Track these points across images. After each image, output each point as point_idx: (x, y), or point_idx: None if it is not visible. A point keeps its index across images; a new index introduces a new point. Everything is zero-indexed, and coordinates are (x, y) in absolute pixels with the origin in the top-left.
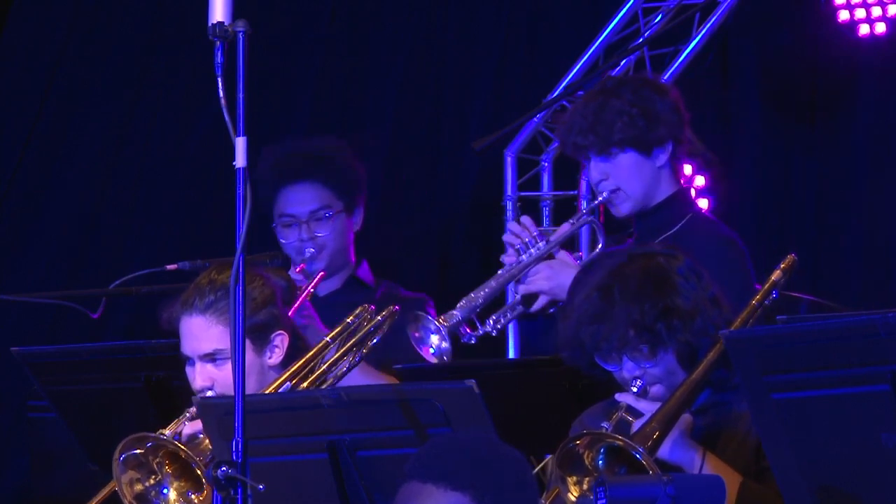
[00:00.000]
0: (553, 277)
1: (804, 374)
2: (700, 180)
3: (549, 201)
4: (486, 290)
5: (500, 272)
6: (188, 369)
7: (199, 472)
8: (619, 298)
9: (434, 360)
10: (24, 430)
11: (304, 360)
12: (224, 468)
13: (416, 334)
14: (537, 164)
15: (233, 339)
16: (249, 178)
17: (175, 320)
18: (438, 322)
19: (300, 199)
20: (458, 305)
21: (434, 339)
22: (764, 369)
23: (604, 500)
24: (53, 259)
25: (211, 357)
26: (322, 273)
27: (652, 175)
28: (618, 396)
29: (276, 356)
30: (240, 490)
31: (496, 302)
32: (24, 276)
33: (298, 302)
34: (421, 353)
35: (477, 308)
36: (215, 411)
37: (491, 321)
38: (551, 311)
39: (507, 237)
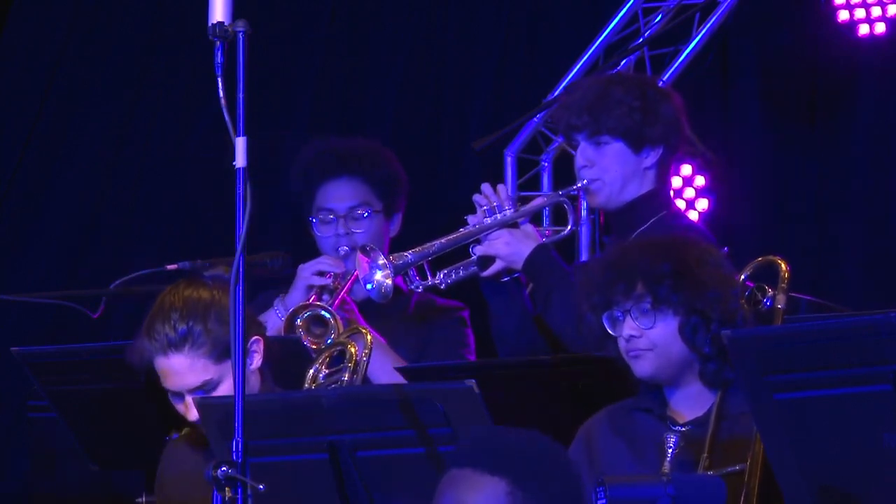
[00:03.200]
0: (512, 244)
1: (805, 374)
2: (700, 180)
3: None
4: (443, 240)
5: (461, 229)
6: (175, 401)
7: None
8: (636, 251)
9: (373, 296)
10: (24, 430)
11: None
12: (224, 468)
13: (364, 270)
14: (537, 165)
15: (233, 338)
16: (292, 171)
17: (147, 360)
18: (388, 260)
19: (340, 195)
20: (411, 250)
21: (378, 275)
22: (765, 369)
23: (604, 500)
24: (53, 259)
25: (201, 389)
26: (356, 273)
27: (635, 173)
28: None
29: (255, 361)
30: (240, 490)
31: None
32: (24, 276)
33: (339, 297)
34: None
35: (428, 256)
36: (215, 412)
37: (441, 274)
38: (505, 279)
39: (476, 197)
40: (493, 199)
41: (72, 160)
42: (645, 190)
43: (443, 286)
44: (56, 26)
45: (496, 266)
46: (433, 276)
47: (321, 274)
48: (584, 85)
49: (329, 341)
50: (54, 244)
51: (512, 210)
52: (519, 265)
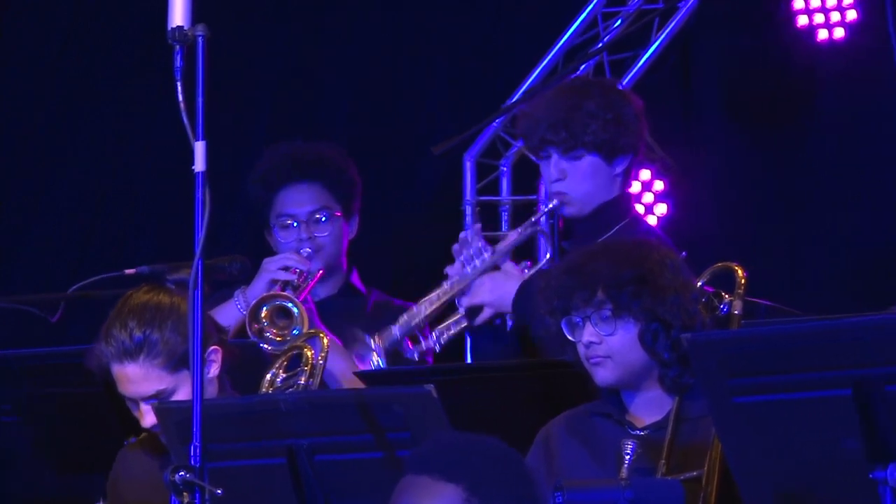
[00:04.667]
0: (496, 289)
1: (766, 378)
2: (659, 185)
3: (507, 206)
4: (428, 303)
5: (444, 284)
6: (131, 406)
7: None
8: (597, 257)
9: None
10: None
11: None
12: (182, 473)
13: (359, 351)
14: (496, 169)
15: (191, 342)
16: (251, 178)
17: (105, 364)
18: (374, 342)
19: (300, 200)
20: (399, 321)
21: (374, 356)
22: (725, 373)
23: None
24: (52, 260)
25: (155, 397)
26: (321, 272)
27: (606, 182)
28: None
29: (212, 370)
30: (198, 495)
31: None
32: (23, 278)
33: (303, 294)
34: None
35: (415, 327)
36: (173, 416)
37: (434, 335)
38: (496, 322)
39: (455, 246)
40: (468, 248)
41: (72, 160)
42: (611, 196)
43: (437, 349)
44: (55, 26)
45: (485, 313)
46: (425, 339)
47: (286, 269)
48: (551, 96)
49: (295, 332)
50: (53, 245)
51: (489, 254)
52: (507, 307)
